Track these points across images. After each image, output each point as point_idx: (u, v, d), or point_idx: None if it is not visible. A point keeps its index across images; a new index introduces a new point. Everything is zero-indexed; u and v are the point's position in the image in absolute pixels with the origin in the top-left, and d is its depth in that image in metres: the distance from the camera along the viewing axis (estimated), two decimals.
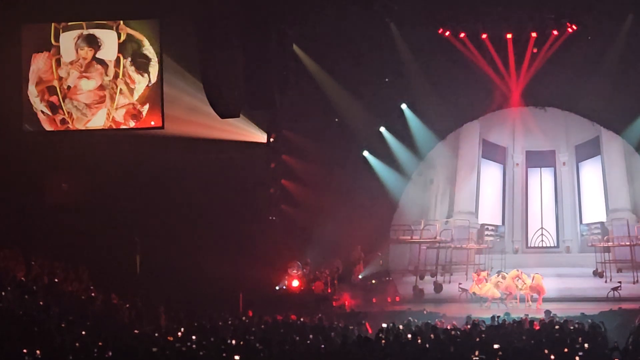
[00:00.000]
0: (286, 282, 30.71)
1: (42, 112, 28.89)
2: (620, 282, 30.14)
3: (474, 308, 28.33)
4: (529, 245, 36.89)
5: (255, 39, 24.78)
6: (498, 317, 23.45)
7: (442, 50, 30.75)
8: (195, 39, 24.76)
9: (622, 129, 32.52)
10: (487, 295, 29.81)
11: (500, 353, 15.89)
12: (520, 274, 29.86)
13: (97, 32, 28.88)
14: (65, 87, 28.84)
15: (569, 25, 29.72)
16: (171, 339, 19.51)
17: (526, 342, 17.75)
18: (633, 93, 30.52)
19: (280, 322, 23.28)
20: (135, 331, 21.47)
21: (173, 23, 28.43)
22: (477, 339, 18.08)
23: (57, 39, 28.80)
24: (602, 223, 35.62)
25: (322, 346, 17.45)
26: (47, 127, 28.89)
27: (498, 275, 30.36)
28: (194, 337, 19.26)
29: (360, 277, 32.15)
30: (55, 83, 28.90)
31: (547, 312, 24.64)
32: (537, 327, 21.03)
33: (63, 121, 28.85)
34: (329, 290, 30.67)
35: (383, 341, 18.11)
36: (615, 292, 29.55)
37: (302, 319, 23.86)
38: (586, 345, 16.92)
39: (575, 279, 32.61)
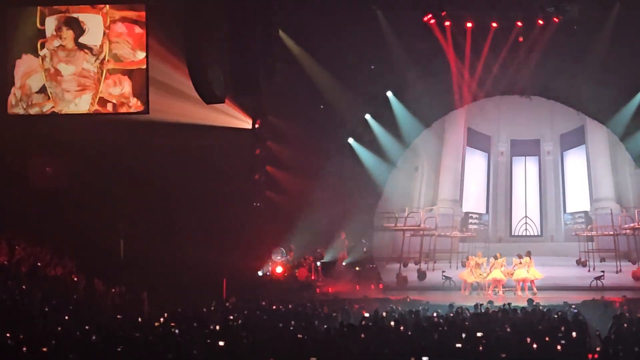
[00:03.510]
0: (270, 269, 30.73)
1: (27, 95, 28.78)
2: (603, 272, 30.15)
3: (457, 296, 28.32)
4: (512, 234, 37.01)
5: (241, 24, 24.69)
6: (481, 305, 23.47)
7: (429, 38, 30.71)
8: (181, 24, 24.65)
9: (607, 119, 32.47)
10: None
11: (483, 341, 15.89)
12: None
13: (82, 17, 28.79)
14: (50, 71, 28.73)
15: (555, 15, 29.72)
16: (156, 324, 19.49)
17: (509, 331, 17.76)
18: (618, 83, 30.53)
19: (263, 308, 23.26)
20: (118, 316, 21.43)
21: (159, 8, 28.36)
22: (460, 327, 18.08)
23: (42, 22, 28.68)
24: (585, 212, 35.75)
25: (305, 333, 17.41)
26: (31, 111, 28.78)
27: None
28: (177, 323, 19.22)
29: (344, 264, 32.15)
30: (40, 67, 28.79)
31: (530, 300, 24.65)
32: (520, 316, 21.07)
33: (47, 105, 28.74)
34: (313, 277, 30.73)
35: (366, 328, 18.07)
36: (598, 281, 29.58)
37: (284, 306, 23.85)
38: (569, 333, 16.94)
39: (558, 268, 32.66)
